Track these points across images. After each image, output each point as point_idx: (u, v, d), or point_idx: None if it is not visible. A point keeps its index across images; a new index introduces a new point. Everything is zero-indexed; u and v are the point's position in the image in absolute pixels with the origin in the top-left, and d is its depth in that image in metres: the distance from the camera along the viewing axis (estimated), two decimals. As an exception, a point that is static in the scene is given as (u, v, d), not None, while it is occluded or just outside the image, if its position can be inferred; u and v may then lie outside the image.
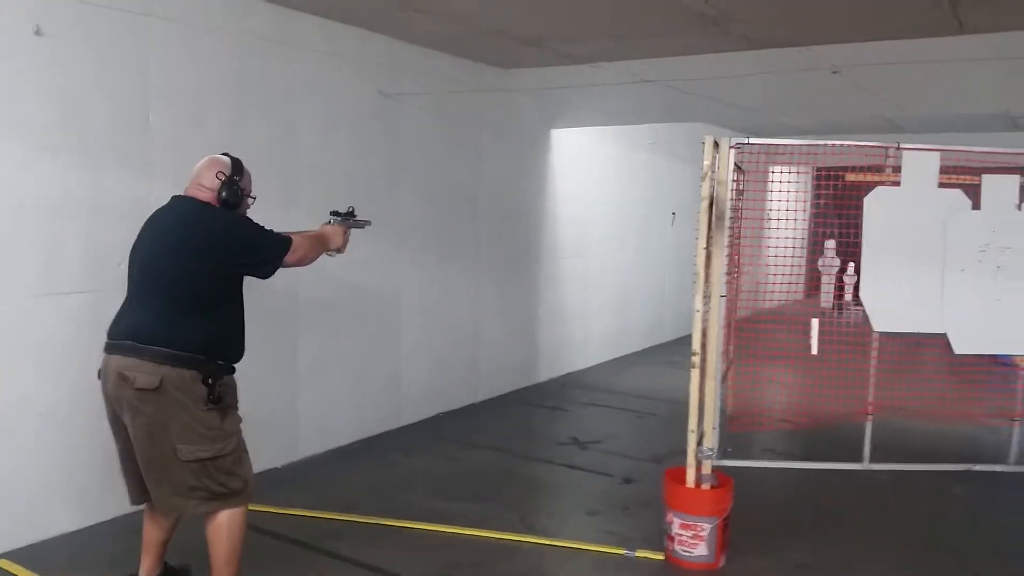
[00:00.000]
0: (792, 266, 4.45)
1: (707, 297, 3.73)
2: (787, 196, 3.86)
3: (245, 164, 3.10)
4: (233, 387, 2.99)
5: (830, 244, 11.61)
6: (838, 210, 4.19)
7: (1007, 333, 3.75)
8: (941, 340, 3.98)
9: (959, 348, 3.73)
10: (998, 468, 4.01)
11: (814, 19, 4.81)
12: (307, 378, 5.12)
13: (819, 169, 5.08)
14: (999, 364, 4.61)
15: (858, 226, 4.09)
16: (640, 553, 3.83)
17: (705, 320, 3.69)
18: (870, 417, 3.84)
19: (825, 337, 3.91)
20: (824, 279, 12.90)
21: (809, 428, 3.99)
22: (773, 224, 4.17)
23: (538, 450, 5.60)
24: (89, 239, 3.89)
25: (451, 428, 6.01)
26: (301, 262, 3.13)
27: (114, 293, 3.87)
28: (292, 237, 3.08)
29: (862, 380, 3.92)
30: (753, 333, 4.59)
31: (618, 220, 8.96)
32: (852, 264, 13.63)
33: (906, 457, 4.06)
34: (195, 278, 2.86)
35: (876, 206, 3.63)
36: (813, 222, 11.72)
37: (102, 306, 3.77)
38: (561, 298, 7.90)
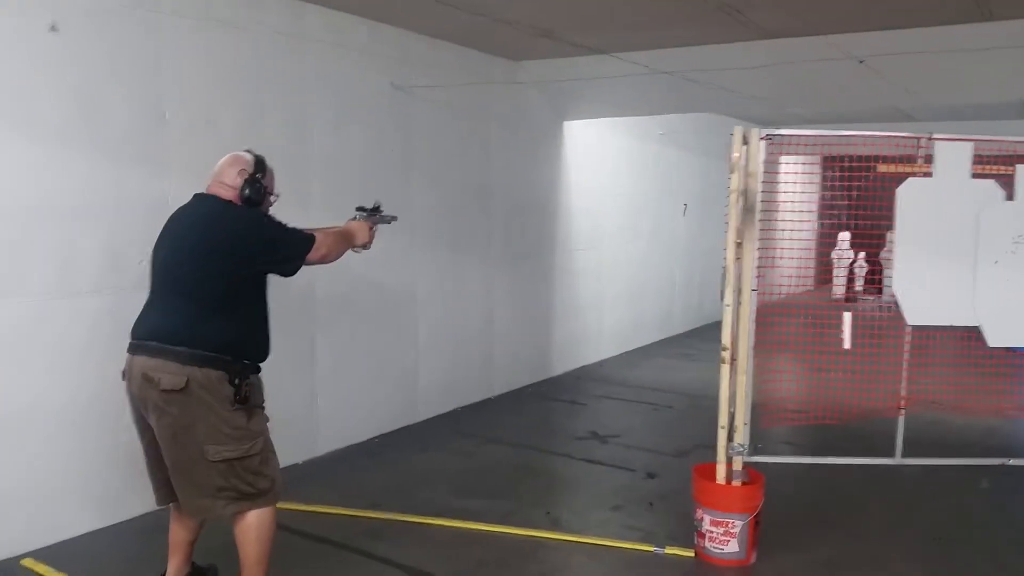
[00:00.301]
0: (803, 257, 4.40)
1: (738, 291, 3.66)
2: (798, 187, 3.78)
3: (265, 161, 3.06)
4: (259, 387, 2.95)
5: (844, 236, 11.54)
6: (854, 200, 4.13)
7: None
8: (966, 332, 3.93)
9: (993, 341, 3.68)
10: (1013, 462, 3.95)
11: (830, 7, 4.74)
12: (325, 375, 5.08)
13: (827, 159, 5.00)
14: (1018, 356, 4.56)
15: (873, 216, 4.04)
16: (669, 550, 3.79)
17: (736, 314, 3.63)
18: (902, 412, 3.78)
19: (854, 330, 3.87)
20: (836, 270, 12.85)
21: (840, 423, 3.93)
22: (786, 215, 4.10)
23: (557, 444, 5.56)
24: (106, 238, 3.85)
25: (468, 423, 5.97)
26: (325, 259, 3.09)
27: (133, 292, 3.84)
28: (315, 235, 3.04)
29: (894, 374, 3.87)
30: (773, 326, 4.54)
31: (630, 212, 8.91)
32: (864, 254, 13.61)
33: (938, 452, 4.01)
34: (218, 277, 2.82)
35: (908, 197, 3.57)
36: (822, 212, 11.68)
37: (121, 306, 3.74)
38: (574, 291, 7.85)
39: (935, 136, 3.54)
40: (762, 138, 3.50)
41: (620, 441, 5.62)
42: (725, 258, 3.71)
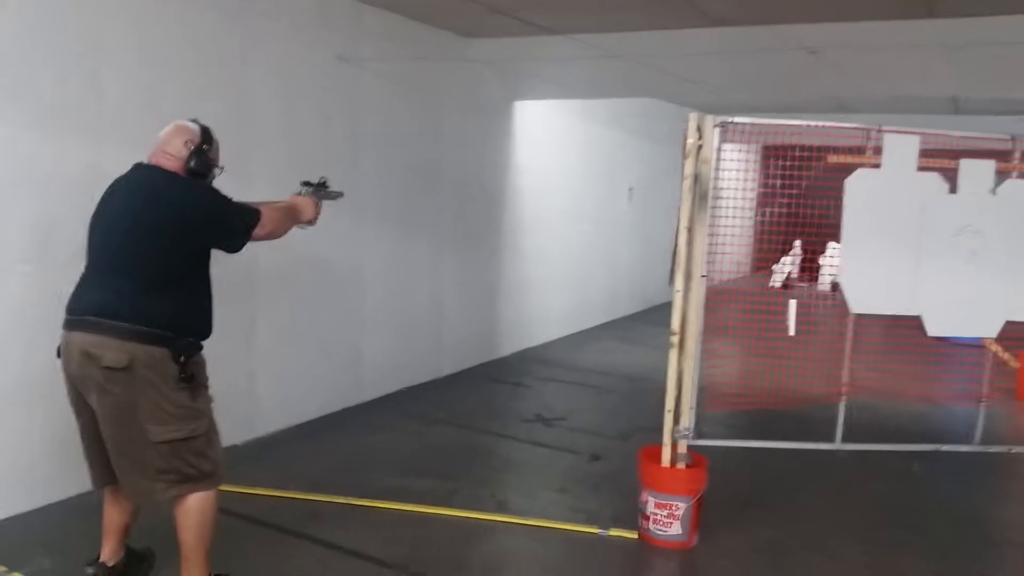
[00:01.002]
0: (742, 244, 4.44)
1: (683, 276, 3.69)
2: (738, 175, 3.81)
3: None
4: (203, 364, 2.85)
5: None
6: (798, 190, 4.19)
7: (978, 317, 3.82)
8: (909, 321, 4.04)
9: (932, 331, 3.78)
10: (963, 448, 4.10)
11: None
12: (266, 353, 4.96)
13: (767, 147, 5.06)
14: (954, 346, 4.71)
15: (807, 204, 4.11)
16: (614, 532, 3.82)
17: (685, 299, 3.65)
18: (843, 398, 3.88)
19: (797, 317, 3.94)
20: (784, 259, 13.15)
21: (782, 408, 4.02)
22: (728, 202, 4.13)
23: (503, 427, 5.56)
24: (36, 209, 3.66)
25: (414, 404, 5.92)
26: (272, 235, 2.99)
27: (65, 266, 3.68)
28: (262, 209, 2.94)
29: (835, 361, 3.96)
30: (717, 311, 4.60)
31: (577, 194, 8.92)
32: (798, 242, 13.94)
33: (875, 437, 4.14)
34: (161, 251, 2.71)
35: (857, 188, 3.64)
36: (762, 200, 11.90)
37: (53, 280, 3.58)
38: (522, 272, 7.84)
39: (884, 128, 3.60)
40: (716, 125, 3.51)
41: (565, 424, 5.65)
42: (676, 243, 3.73)
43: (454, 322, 6.77)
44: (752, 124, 3.57)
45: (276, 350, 5.02)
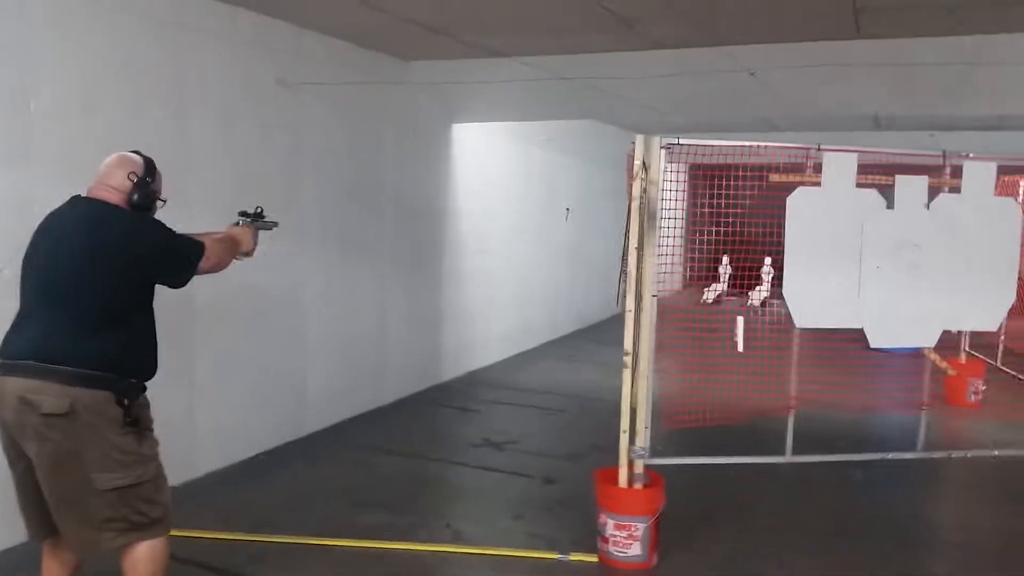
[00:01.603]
0: (675, 262, 4.50)
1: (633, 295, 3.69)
2: (673, 193, 3.84)
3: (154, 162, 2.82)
4: (147, 406, 2.71)
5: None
6: (721, 208, 4.27)
7: (918, 327, 3.93)
8: (848, 334, 4.13)
9: (875, 342, 3.87)
10: (908, 455, 4.21)
11: (716, 20, 4.89)
12: (204, 388, 4.76)
13: (697, 167, 5.15)
14: (891, 356, 4.85)
15: (735, 222, 4.19)
16: (574, 556, 3.78)
17: (637, 320, 3.66)
18: (792, 411, 3.93)
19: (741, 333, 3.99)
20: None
21: (733, 423, 4.06)
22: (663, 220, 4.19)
23: (452, 453, 5.46)
24: (-42, 241, 3.44)
25: (359, 434, 5.77)
26: (216, 268, 2.89)
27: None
28: (205, 241, 2.83)
29: (783, 375, 4.02)
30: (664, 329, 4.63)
31: (517, 216, 8.92)
32: (727, 257, 14.23)
33: (824, 449, 4.21)
34: (104, 287, 2.56)
35: (798, 206, 3.71)
36: (691, 218, 12.11)
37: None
38: (463, 295, 7.77)
39: (824, 147, 3.69)
40: (662, 147, 3.54)
41: (515, 447, 5.59)
42: (624, 263, 3.73)
43: (398, 347, 6.66)
44: (696, 145, 3.61)
45: (215, 384, 4.82)
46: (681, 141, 3.63)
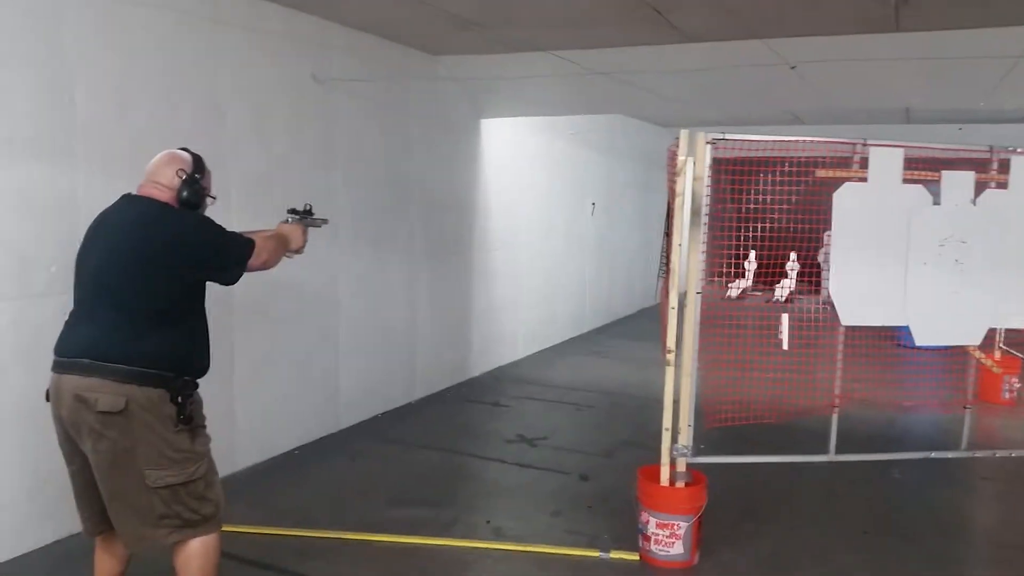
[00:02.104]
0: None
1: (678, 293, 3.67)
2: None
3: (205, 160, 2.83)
4: (200, 404, 2.73)
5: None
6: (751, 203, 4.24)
7: (964, 325, 3.88)
8: (884, 331, 4.09)
9: (920, 340, 3.83)
10: (951, 455, 4.16)
11: (753, 12, 4.82)
12: (244, 383, 4.79)
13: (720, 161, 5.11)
14: (926, 353, 4.78)
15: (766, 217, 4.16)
16: (615, 554, 3.77)
17: (680, 317, 3.63)
18: (836, 409, 3.90)
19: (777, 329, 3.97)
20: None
21: (776, 422, 4.03)
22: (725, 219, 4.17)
23: (486, 448, 5.47)
24: (8, 240, 3.47)
25: (394, 429, 5.79)
26: (266, 265, 2.89)
27: (41, 299, 3.51)
28: (255, 239, 2.84)
29: (828, 373, 3.99)
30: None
31: (544, 211, 8.90)
32: (753, 252, 14.11)
33: (866, 447, 4.18)
34: (156, 286, 2.58)
35: (845, 201, 3.67)
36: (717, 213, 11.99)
37: (27, 311, 3.41)
38: (492, 290, 7.77)
39: (869, 142, 3.64)
40: (708, 142, 3.51)
41: (548, 443, 5.58)
42: (666, 259, 3.71)
43: (428, 343, 6.67)
44: (743, 140, 3.58)
45: (254, 380, 4.86)
46: (728, 136, 3.60)
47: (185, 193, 2.69)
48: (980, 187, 3.94)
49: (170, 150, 2.78)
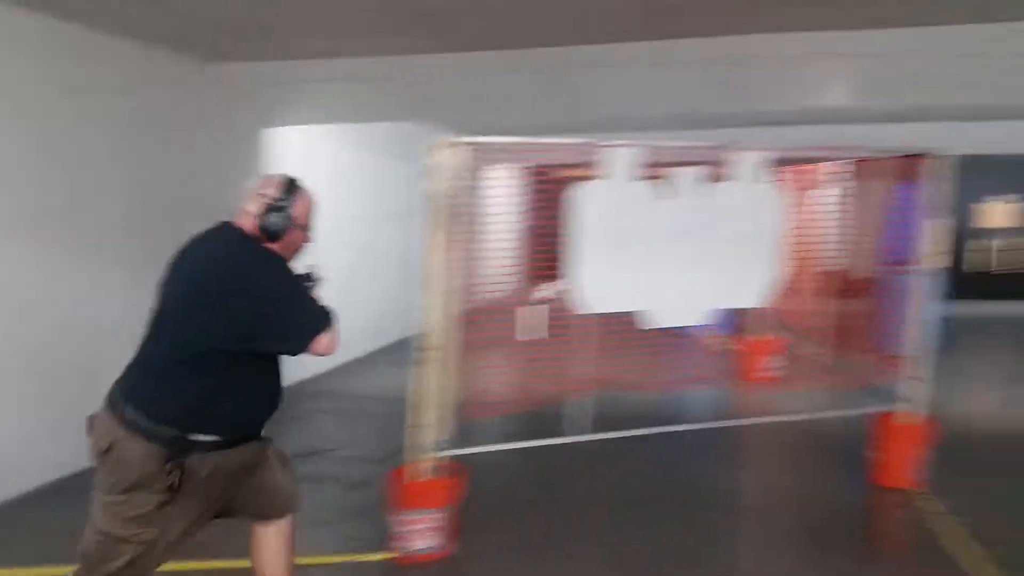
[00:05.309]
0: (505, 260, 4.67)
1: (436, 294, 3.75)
2: (499, 194, 4.00)
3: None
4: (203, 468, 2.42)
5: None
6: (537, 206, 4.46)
7: (689, 307, 4.24)
8: (635, 317, 4.37)
9: (657, 323, 4.12)
10: (696, 427, 4.51)
11: (528, 22, 5.00)
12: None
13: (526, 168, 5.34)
14: (683, 337, 5.13)
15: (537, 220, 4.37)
16: (377, 556, 3.78)
17: (433, 316, 3.71)
18: (588, 393, 4.13)
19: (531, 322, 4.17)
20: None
21: (535, 409, 4.21)
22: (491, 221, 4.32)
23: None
24: None
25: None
26: (331, 350, 2.41)
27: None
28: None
29: (581, 359, 4.22)
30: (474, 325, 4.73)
31: (339, 221, 8.78)
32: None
33: (624, 426, 4.44)
34: (189, 328, 2.33)
35: (583, 199, 3.90)
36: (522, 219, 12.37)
37: None
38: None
39: (604, 143, 3.89)
40: (462, 145, 3.61)
41: (338, 454, 5.52)
42: (426, 262, 3.79)
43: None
44: (496, 144, 3.71)
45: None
46: (481, 140, 3.71)
47: (264, 221, 2.39)
48: (708, 181, 4.30)
49: (269, 173, 2.52)
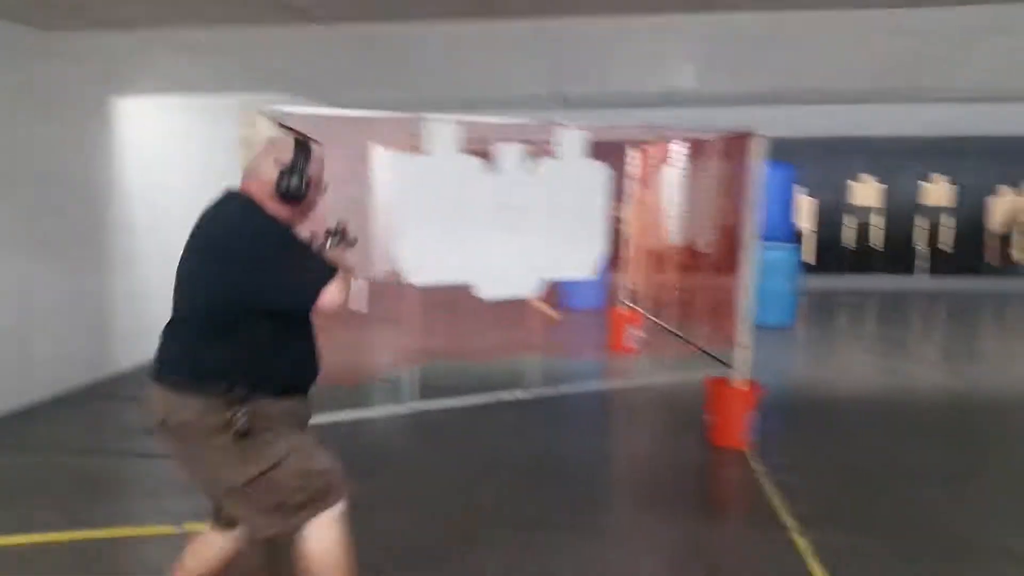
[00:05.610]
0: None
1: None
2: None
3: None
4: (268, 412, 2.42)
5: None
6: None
7: (521, 278, 4.37)
8: (468, 289, 4.48)
9: (485, 295, 4.23)
10: (520, 395, 4.65)
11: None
12: None
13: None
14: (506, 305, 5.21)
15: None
16: (188, 526, 3.78)
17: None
18: (416, 362, 4.21)
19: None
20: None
21: (360, 381, 4.27)
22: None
23: (113, 443, 5.21)
24: None
25: (5, 434, 5.33)
26: (340, 308, 2.37)
27: None
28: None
29: (408, 330, 4.29)
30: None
31: (198, 192, 8.54)
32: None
33: (456, 393, 4.52)
34: (206, 291, 2.40)
35: (399, 172, 3.96)
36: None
37: None
38: (138, 276, 7.36)
39: (426, 116, 3.95)
40: (268, 115, 3.61)
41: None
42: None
43: (53, 339, 6.18)
44: (304, 115, 3.72)
45: None
46: (287, 110, 3.71)
47: (283, 186, 2.35)
48: (533, 158, 4.43)
49: (273, 136, 2.43)
